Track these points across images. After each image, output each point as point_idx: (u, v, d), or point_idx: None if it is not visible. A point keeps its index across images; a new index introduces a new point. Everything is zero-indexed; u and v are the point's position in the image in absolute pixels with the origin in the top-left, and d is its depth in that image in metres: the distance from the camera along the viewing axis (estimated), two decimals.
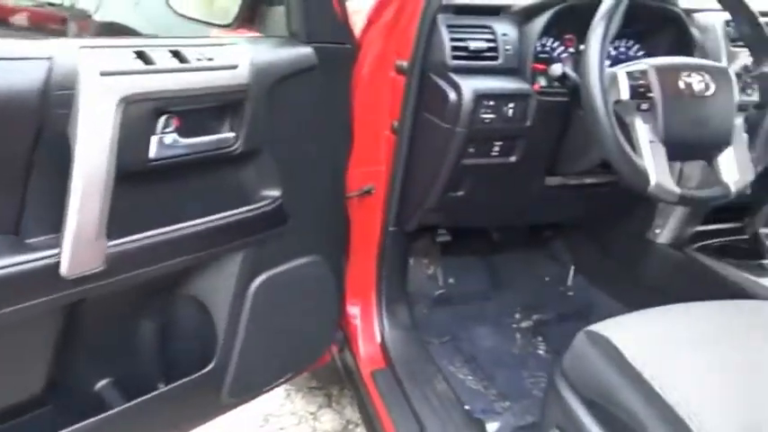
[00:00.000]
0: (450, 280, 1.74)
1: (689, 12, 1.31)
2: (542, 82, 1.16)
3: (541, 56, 1.30)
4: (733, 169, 1.07)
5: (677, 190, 1.02)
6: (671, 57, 1.10)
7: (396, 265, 1.49)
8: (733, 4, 1.09)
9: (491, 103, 1.14)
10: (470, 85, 1.13)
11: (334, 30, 1.13)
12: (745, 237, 1.52)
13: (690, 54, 1.29)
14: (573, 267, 1.82)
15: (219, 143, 1.00)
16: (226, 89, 0.97)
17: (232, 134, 1.00)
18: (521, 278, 1.81)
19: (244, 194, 1.08)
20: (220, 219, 1.04)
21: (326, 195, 1.25)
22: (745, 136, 1.09)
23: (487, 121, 1.15)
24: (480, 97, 1.14)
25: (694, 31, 1.29)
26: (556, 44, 1.30)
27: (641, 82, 1.02)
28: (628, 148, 0.99)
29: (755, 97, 1.09)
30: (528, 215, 1.50)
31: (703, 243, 1.48)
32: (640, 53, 1.36)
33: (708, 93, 1.04)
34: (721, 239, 1.50)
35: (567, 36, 1.29)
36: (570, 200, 1.44)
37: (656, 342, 0.91)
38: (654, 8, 1.27)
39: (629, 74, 1.02)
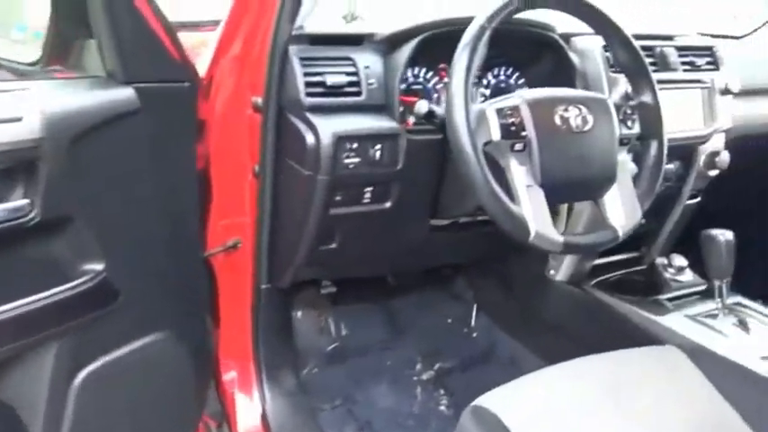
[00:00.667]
0: (344, 332, 1.58)
1: (567, 36, 1.23)
2: (414, 118, 1.03)
3: (415, 87, 1.18)
4: (619, 210, 0.97)
5: (560, 239, 0.91)
6: (544, 89, 1.00)
7: (274, 324, 1.31)
8: (606, 29, 1.01)
9: (354, 145, 1.00)
10: (329, 126, 0.99)
11: (164, 66, 0.95)
12: (644, 267, 1.45)
13: (571, 82, 1.21)
14: (476, 306, 1.70)
15: (9, 213, 0.80)
16: (9, 147, 0.77)
17: (25, 201, 0.80)
18: (422, 322, 1.68)
19: (56, 272, 0.88)
20: (26, 304, 0.84)
21: (173, 259, 1.06)
22: (629, 172, 1.00)
23: (352, 166, 1.00)
24: (341, 139, 0.99)
25: (573, 57, 1.21)
26: (429, 75, 1.19)
27: (513, 119, 0.90)
28: (502, 196, 0.87)
29: (637, 129, 1.01)
30: (417, 260, 1.37)
31: (602, 278, 1.39)
32: (521, 81, 1.27)
33: (586, 127, 0.94)
34: (619, 272, 1.42)
35: (441, 66, 1.18)
36: (463, 239, 1.31)
37: (545, 413, 0.84)
38: (529, 34, 1.17)
39: (499, 111, 0.90)
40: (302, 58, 1.01)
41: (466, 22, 0.95)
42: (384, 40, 1.08)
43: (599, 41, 1.22)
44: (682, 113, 1.28)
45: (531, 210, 0.89)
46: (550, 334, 1.46)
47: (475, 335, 1.68)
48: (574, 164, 0.94)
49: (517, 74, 1.27)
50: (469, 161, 0.86)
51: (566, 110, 0.94)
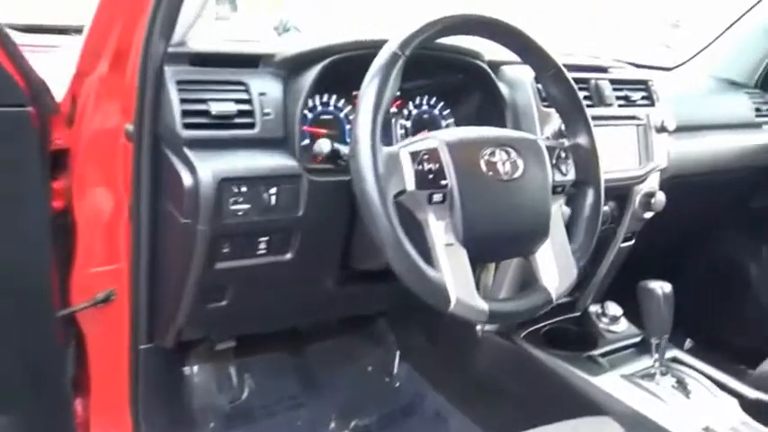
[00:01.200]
0: (249, 388, 1.38)
1: (496, 65, 1.10)
2: (320, 155, 0.87)
3: (324, 117, 1.02)
4: (552, 268, 0.84)
5: (484, 307, 0.77)
6: (467, 128, 0.87)
7: (158, 387, 1.11)
8: (535, 59, 0.89)
9: (243, 188, 0.82)
10: (211, 166, 0.81)
11: None
12: (577, 314, 1.35)
13: (500, 115, 1.09)
14: (398, 352, 1.55)
15: None
16: None
17: None
18: (339, 372, 1.50)
19: None
20: None
21: (19, 321, 0.85)
22: (563, 224, 0.87)
23: (241, 213, 0.83)
24: (226, 182, 0.81)
25: (503, 88, 1.08)
26: (341, 102, 1.03)
27: (431, 165, 0.76)
28: (417, 258, 0.72)
29: (571, 175, 0.89)
30: (327, 312, 1.20)
31: (532, 328, 1.27)
32: (446, 112, 1.13)
33: (516, 174, 0.81)
34: (551, 321, 1.30)
35: (355, 93, 1.03)
36: (380, 287, 1.16)
37: None
38: (453, 61, 1.04)
39: (415, 155, 0.76)
40: (180, 82, 0.83)
41: (379, 45, 0.80)
42: (285, 62, 0.91)
43: (530, 71, 1.11)
44: (617, 152, 1.18)
45: (452, 273, 0.74)
46: (479, 388, 1.33)
47: (397, 385, 1.52)
48: (502, 217, 0.80)
49: (442, 103, 1.13)
50: (377, 216, 0.70)
51: (492, 153, 0.80)
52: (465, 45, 1.04)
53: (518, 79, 1.09)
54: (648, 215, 1.27)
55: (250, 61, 0.90)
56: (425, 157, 0.75)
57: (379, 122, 0.73)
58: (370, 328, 1.58)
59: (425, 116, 1.12)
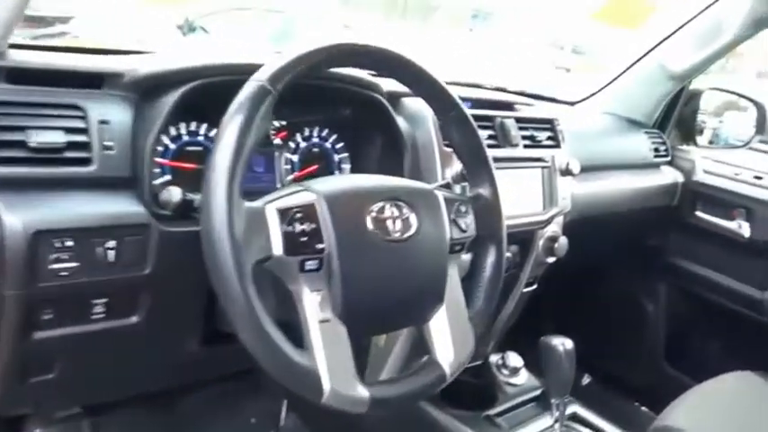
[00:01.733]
0: None
1: (396, 96, 0.99)
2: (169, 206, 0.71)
3: (192, 149, 0.86)
4: (446, 339, 0.73)
5: (364, 395, 0.64)
6: (352, 177, 0.76)
7: None
8: (435, 98, 0.78)
9: (68, 243, 0.65)
10: (23, 214, 0.63)
11: None
12: (477, 364, 1.26)
13: (399, 154, 0.97)
14: (286, 402, 1.40)
15: None
16: None
17: None
18: (219, 426, 1.33)
19: None
20: None
21: None
22: (460, 288, 0.77)
23: (65, 273, 0.65)
24: (44, 235, 0.64)
25: (401, 123, 0.97)
26: (213, 132, 0.87)
27: (306, 226, 0.62)
28: (280, 342, 0.59)
29: (471, 231, 0.79)
30: (193, 374, 1.03)
31: None
32: (339, 145, 1.01)
33: (409, 233, 0.69)
34: None
35: None
36: None
37: None
38: (344, 93, 0.92)
39: (284, 212, 0.62)
40: None
41: (252, 70, 0.66)
42: (136, 84, 0.75)
43: None
44: (521, 195, 1.11)
45: (325, 357, 0.61)
46: None
47: None
48: (390, 284, 0.68)
49: (336, 136, 1.00)
50: (230, 289, 0.56)
51: (382, 209, 0.68)
52: (361, 74, 0.93)
53: (419, 114, 0.99)
54: (551, 260, 1.21)
55: (90, 80, 0.73)
56: (298, 215, 0.62)
57: (239, 171, 0.58)
58: (254, 375, 1.42)
59: (315, 149, 0.99)
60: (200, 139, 0.86)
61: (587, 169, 1.38)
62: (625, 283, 1.76)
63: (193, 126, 0.85)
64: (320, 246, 0.62)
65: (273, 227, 0.60)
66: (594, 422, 1.13)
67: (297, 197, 0.63)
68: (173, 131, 0.83)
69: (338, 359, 0.63)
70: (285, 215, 0.61)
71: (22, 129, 0.65)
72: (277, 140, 0.95)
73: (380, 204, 0.68)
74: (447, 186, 0.86)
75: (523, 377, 1.20)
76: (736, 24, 1.39)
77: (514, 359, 1.21)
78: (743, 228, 1.50)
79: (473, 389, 1.18)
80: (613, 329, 1.80)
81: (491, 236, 0.81)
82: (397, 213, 0.69)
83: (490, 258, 0.81)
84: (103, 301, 0.71)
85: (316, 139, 0.99)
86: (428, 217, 0.72)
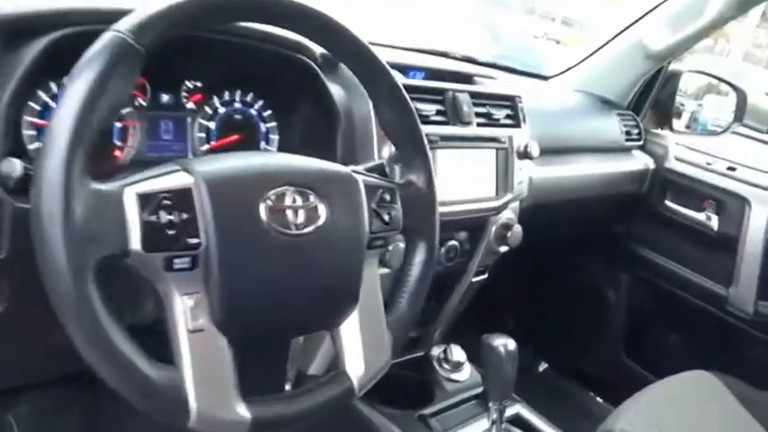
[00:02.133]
0: None
1: (331, 61, 0.87)
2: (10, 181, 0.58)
3: None
4: (358, 348, 0.63)
5: (244, 416, 0.54)
6: (246, 155, 0.64)
7: None
8: (362, 69, 0.67)
9: None
10: None
11: None
12: (419, 354, 1.17)
13: (331, 128, 0.86)
14: None
15: None
16: None
17: None
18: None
19: None
20: None
21: None
22: (378, 289, 0.67)
23: None
24: None
25: (336, 92, 0.85)
26: None
27: (175, 215, 0.51)
28: (130, 353, 0.48)
29: (398, 223, 0.68)
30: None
31: None
32: (267, 113, 0.89)
33: (314, 225, 0.58)
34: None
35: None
36: None
37: None
38: (263, 51, 0.79)
39: (147, 198, 0.50)
40: None
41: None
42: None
43: None
44: (471, 179, 1.00)
45: (193, 373, 0.51)
46: None
47: None
48: (288, 285, 0.58)
49: (262, 102, 0.88)
50: (60, 290, 0.45)
51: (281, 196, 0.57)
52: (287, 33, 0.80)
53: (354, 81, 0.87)
54: (504, 249, 1.12)
55: None
56: (166, 201, 0.50)
57: (83, 142, 0.47)
58: None
59: (238, 116, 0.87)
60: None
61: (552, 151, 1.29)
62: (587, 271, 1.68)
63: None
64: (194, 240, 0.51)
65: (132, 216, 0.49)
66: (538, 426, 1.05)
67: (169, 179, 0.52)
68: (54, 89, 0.71)
69: (211, 375, 0.52)
70: (148, 201, 0.49)
71: None
72: (190, 104, 0.82)
73: (279, 191, 0.57)
74: (380, 168, 0.76)
75: (466, 373, 1.12)
76: (719, 3, 1.28)
77: (457, 353, 1.12)
78: (712, 220, 1.42)
79: (411, 384, 1.10)
80: (573, 318, 1.73)
81: (420, 230, 0.70)
82: (300, 202, 0.58)
83: (418, 256, 0.70)
84: None
85: (238, 105, 0.87)
86: (341, 206, 0.61)
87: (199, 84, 0.83)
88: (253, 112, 0.88)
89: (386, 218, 0.66)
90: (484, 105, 1.02)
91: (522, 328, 1.83)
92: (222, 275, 0.53)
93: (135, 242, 0.49)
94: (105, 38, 0.49)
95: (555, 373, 1.79)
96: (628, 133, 1.49)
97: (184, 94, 0.82)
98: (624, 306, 1.64)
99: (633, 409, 0.98)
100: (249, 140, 0.88)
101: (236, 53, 0.81)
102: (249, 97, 0.87)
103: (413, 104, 0.70)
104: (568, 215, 1.43)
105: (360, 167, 0.74)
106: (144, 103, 0.78)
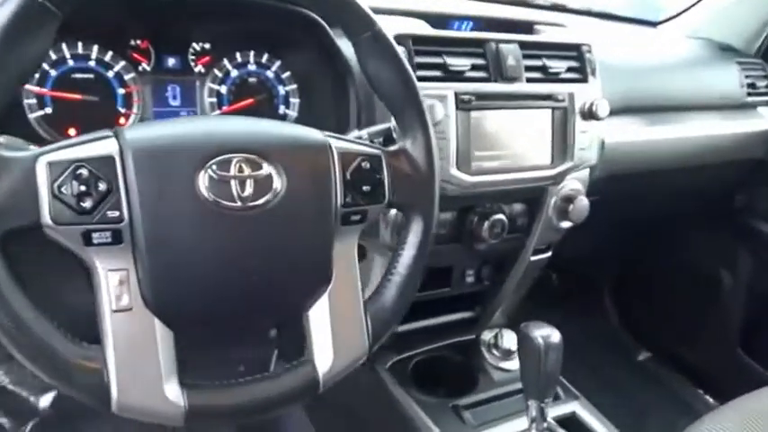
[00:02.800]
0: None
1: None
2: None
3: (81, 77, 0.72)
4: (327, 336, 0.57)
5: (177, 404, 0.50)
6: (185, 122, 0.58)
7: None
8: (340, 13, 0.58)
9: None
10: None
11: None
12: (470, 337, 1.08)
13: (343, 88, 0.78)
14: (277, 351, 1.31)
15: None
16: None
17: None
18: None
19: None
20: None
21: None
22: (356, 268, 0.59)
23: None
24: None
25: (346, 48, 0.77)
26: (108, 57, 0.73)
27: (85, 187, 0.46)
28: (44, 330, 0.45)
29: (382, 195, 0.59)
30: None
31: (406, 355, 1.01)
32: (286, 74, 0.83)
33: (267, 196, 0.52)
34: (433, 345, 1.04)
35: (135, 42, 0.73)
36: None
37: None
38: (266, 7, 0.73)
39: (60, 165, 0.46)
40: None
41: None
42: None
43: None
44: (519, 144, 0.87)
45: (115, 356, 0.47)
46: (335, 415, 1.09)
47: None
48: (235, 262, 0.52)
49: (279, 63, 0.82)
50: None
51: (224, 166, 0.51)
52: None
53: None
54: (566, 225, 0.97)
55: None
56: (81, 171, 0.46)
57: None
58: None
59: (252, 79, 0.82)
60: (91, 64, 0.73)
61: (645, 109, 1.10)
62: (697, 250, 1.45)
63: (80, 48, 0.71)
64: (113, 214, 0.47)
65: (42, 186, 0.46)
66: (595, 429, 0.92)
67: (93, 147, 0.48)
68: (53, 54, 0.70)
69: (139, 359, 0.49)
70: (61, 171, 0.46)
71: None
72: (198, 67, 0.79)
73: (222, 158, 0.51)
74: (385, 133, 0.67)
75: (515, 363, 1.00)
76: None
77: (509, 339, 1.01)
78: None
79: (454, 370, 1.01)
80: (680, 303, 1.51)
81: (413, 205, 0.61)
82: (248, 171, 0.51)
83: (412, 236, 0.61)
84: None
85: (252, 67, 0.82)
86: (302, 175, 0.54)
87: (207, 45, 0.78)
88: (269, 74, 0.82)
89: (364, 189, 0.58)
90: (539, 57, 0.88)
91: (622, 313, 1.64)
92: (150, 252, 0.48)
93: (45, 215, 0.46)
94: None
95: (656, 364, 1.58)
96: (752, 86, 1.23)
97: (192, 56, 0.78)
98: (742, 291, 1.40)
99: (734, 411, 0.80)
100: (265, 104, 0.82)
101: (243, 10, 0.76)
102: (265, 58, 0.82)
103: (404, 58, 0.60)
104: (668, 187, 1.22)
105: (362, 132, 0.66)
106: (147, 68, 0.76)
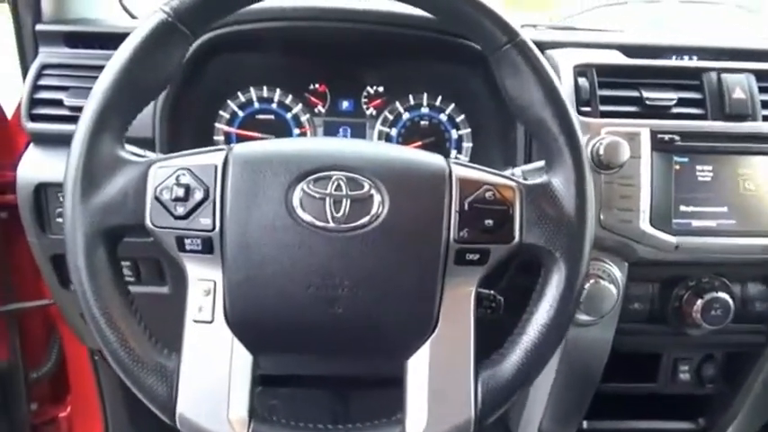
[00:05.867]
0: None
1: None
2: None
3: (262, 117, 0.78)
4: (422, 397, 0.47)
5: None
6: (291, 140, 0.55)
7: None
8: (477, 25, 0.51)
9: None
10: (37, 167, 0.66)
11: None
12: None
13: (510, 122, 0.70)
14: None
15: None
16: None
17: None
18: None
19: None
20: None
21: None
22: (471, 317, 0.48)
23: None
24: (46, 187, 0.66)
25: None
26: (288, 99, 0.78)
27: (181, 192, 0.46)
28: (125, 327, 0.46)
29: (509, 234, 0.47)
30: None
31: None
32: (460, 117, 0.78)
33: (363, 219, 0.46)
34: None
35: (314, 86, 0.77)
36: None
37: None
38: (439, 44, 0.69)
39: (165, 171, 0.47)
40: (45, 66, 0.70)
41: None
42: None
43: (572, 55, 0.69)
44: (753, 198, 0.66)
45: (187, 368, 0.46)
46: None
47: None
48: (320, 290, 0.47)
49: (453, 105, 0.78)
50: (69, 253, 0.46)
51: (321, 182, 0.47)
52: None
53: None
54: None
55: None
56: (182, 177, 0.47)
57: (115, 109, 0.47)
58: None
59: (424, 122, 0.79)
60: (274, 106, 0.78)
61: None
62: None
63: (265, 91, 0.78)
64: (205, 221, 0.47)
65: (149, 189, 0.48)
66: None
67: (200, 157, 0.49)
68: (242, 97, 0.77)
69: (210, 376, 0.46)
70: (165, 176, 0.47)
71: (65, 89, 0.69)
72: (370, 110, 0.79)
73: (321, 175, 0.47)
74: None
75: None
76: None
77: None
78: None
79: None
80: None
81: (552, 251, 0.49)
82: (346, 190, 0.47)
83: (549, 290, 0.49)
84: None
85: (425, 110, 0.79)
86: (408, 201, 0.47)
87: (380, 88, 0.79)
88: (442, 117, 0.79)
89: (486, 223, 0.48)
90: None
91: None
92: (236, 264, 0.46)
93: (147, 216, 0.47)
94: (152, 16, 0.50)
95: None
96: None
97: (364, 99, 0.79)
98: None
99: None
100: (434, 149, 0.78)
101: (416, 50, 0.74)
102: (438, 101, 0.78)
103: (552, 73, 0.50)
104: None
105: (516, 170, 0.58)
106: (322, 110, 0.78)
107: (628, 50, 0.71)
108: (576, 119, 0.50)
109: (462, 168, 0.50)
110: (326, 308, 0.47)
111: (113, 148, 0.48)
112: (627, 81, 0.67)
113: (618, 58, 0.70)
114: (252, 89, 0.77)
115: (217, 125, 0.77)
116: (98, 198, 0.47)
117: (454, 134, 0.79)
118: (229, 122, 0.78)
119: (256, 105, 0.78)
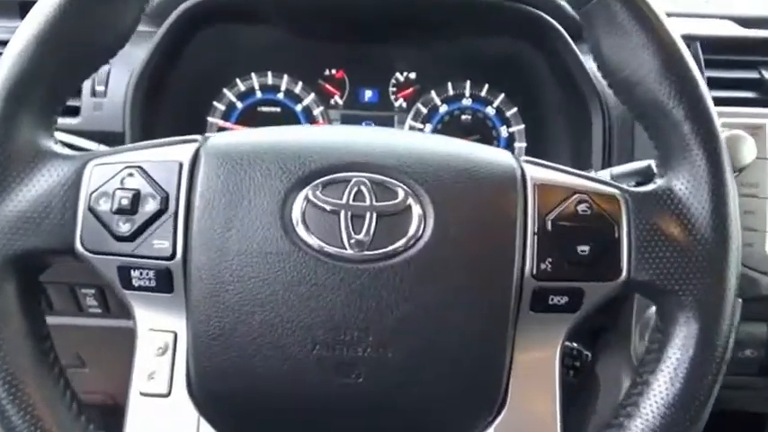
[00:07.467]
0: None
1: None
2: None
3: (266, 110, 0.64)
4: None
5: None
6: (289, 129, 0.40)
7: None
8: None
9: None
10: None
11: None
12: None
13: (584, 114, 0.54)
14: None
15: None
16: None
17: None
18: None
19: None
20: None
21: None
22: (557, 383, 0.32)
23: None
24: None
25: (591, 65, 0.52)
26: (298, 88, 0.63)
27: (132, 203, 0.31)
28: (36, 392, 0.31)
29: (616, 267, 0.31)
30: None
31: None
32: (511, 111, 0.62)
33: (399, 243, 0.31)
34: None
35: (331, 72, 0.62)
36: None
37: None
38: (490, 14, 0.54)
39: (102, 168, 0.32)
40: None
41: None
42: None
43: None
44: None
45: None
46: None
47: None
48: (337, 351, 0.31)
49: (502, 96, 0.62)
50: None
51: (335, 186, 0.32)
52: None
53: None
54: None
55: None
56: (129, 179, 0.32)
57: (29, 78, 0.32)
58: None
59: (466, 116, 0.63)
60: (280, 96, 0.63)
61: None
62: None
63: (270, 78, 0.63)
64: (161, 244, 0.31)
65: (82, 197, 0.32)
66: None
67: (161, 151, 0.34)
68: (241, 85, 0.63)
69: None
70: (106, 177, 0.32)
71: None
72: (399, 101, 0.63)
73: (332, 178, 0.32)
74: (643, 172, 0.41)
75: None
76: None
77: None
78: None
79: None
80: None
81: (681, 292, 0.32)
82: (371, 200, 0.31)
83: (676, 350, 0.32)
84: None
85: (467, 101, 0.63)
86: (463, 217, 0.32)
87: (412, 75, 0.63)
88: (489, 110, 0.63)
89: (580, 250, 0.32)
90: None
91: None
92: (203, 310, 0.31)
93: (77, 236, 0.32)
94: None
95: None
96: None
97: (393, 88, 0.64)
98: None
99: None
100: None
101: (457, 24, 0.59)
102: (484, 90, 0.63)
103: (676, 35, 0.34)
104: None
105: (603, 172, 0.42)
106: (340, 101, 0.63)
107: (744, 21, 0.55)
108: (710, 98, 0.34)
109: (540, 169, 0.34)
110: (339, 377, 0.31)
111: (33, 136, 0.33)
112: (743, 59, 0.51)
113: (731, 29, 0.54)
114: (253, 75, 0.62)
115: (209, 119, 0.63)
116: (7, 208, 0.32)
117: (504, 132, 0.63)
118: (225, 116, 0.63)
119: (259, 95, 0.63)
